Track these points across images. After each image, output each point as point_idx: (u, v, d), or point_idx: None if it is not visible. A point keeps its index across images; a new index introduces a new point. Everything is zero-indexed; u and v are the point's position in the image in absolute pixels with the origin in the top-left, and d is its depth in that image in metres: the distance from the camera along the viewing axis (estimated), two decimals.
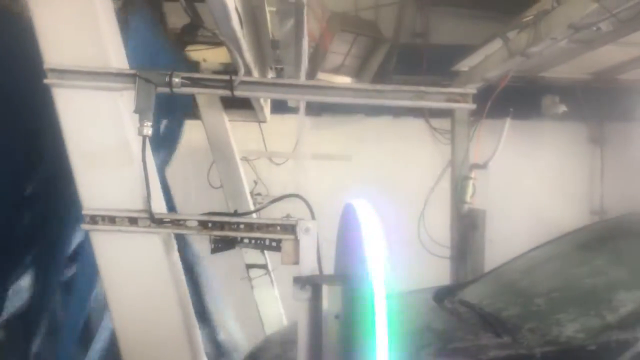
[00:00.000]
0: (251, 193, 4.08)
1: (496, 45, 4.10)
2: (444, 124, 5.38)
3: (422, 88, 1.67)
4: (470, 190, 4.94)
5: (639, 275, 2.45)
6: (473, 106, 1.66)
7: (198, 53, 3.32)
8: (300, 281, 1.54)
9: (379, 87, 1.65)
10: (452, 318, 2.74)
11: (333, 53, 4.47)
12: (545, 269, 3.10)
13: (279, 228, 1.60)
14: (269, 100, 3.98)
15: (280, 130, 4.63)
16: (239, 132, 3.99)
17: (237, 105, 3.68)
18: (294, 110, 4.41)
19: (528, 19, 3.54)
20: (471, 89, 1.69)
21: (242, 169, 3.91)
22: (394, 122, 5.42)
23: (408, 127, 5.41)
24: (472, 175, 4.97)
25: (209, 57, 3.51)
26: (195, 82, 1.59)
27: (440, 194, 5.28)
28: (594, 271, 2.74)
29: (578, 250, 3.09)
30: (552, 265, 3.09)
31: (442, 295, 3.09)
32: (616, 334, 2.12)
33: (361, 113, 5.34)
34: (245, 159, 4.29)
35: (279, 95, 1.69)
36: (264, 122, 4.09)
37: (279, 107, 4.29)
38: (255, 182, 4.45)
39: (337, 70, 4.58)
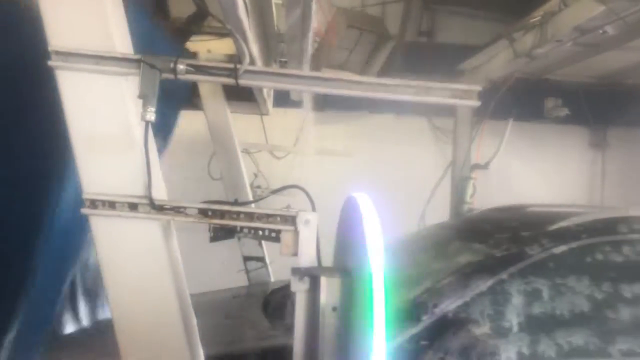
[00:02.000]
0: (251, 186, 4.07)
1: (501, 46, 4.10)
2: (446, 123, 5.37)
3: (427, 83, 1.66)
4: (470, 191, 4.93)
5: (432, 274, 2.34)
6: (478, 103, 1.66)
7: (203, 44, 3.31)
8: (299, 272, 1.54)
9: (383, 80, 1.64)
10: (259, 313, 2.74)
11: (338, 49, 4.47)
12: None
13: (278, 219, 1.59)
14: (272, 93, 3.97)
15: (282, 124, 4.63)
16: (240, 124, 3.98)
17: (240, 96, 3.67)
18: (296, 104, 4.40)
19: (534, 20, 3.54)
20: (476, 86, 1.68)
21: (243, 161, 3.91)
22: (396, 120, 5.42)
23: (410, 126, 5.41)
24: (473, 175, 4.96)
25: (213, 48, 3.50)
26: (200, 70, 1.58)
27: (440, 194, 5.28)
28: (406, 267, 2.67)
29: (417, 246, 2.98)
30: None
31: (276, 289, 3.07)
32: None
33: (364, 110, 5.34)
34: (246, 151, 4.28)
35: (283, 86, 1.68)
36: (267, 114, 4.08)
37: (282, 100, 4.28)
38: (256, 175, 4.45)
39: (341, 66, 4.57)
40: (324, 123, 5.21)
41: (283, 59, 3.34)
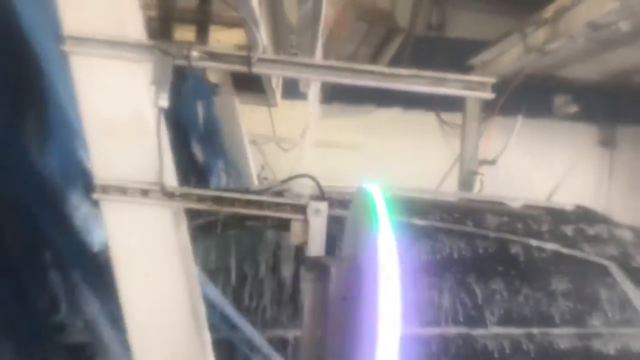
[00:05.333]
0: (258, 177, 4.08)
1: (513, 40, 4.07)
2: (454, 118, 5.36)
3: (440, 74, 1.65)
4: (477, 186, 4.92)
5: None
6: (491, 95, 1.64)
7: (212, 34, 3.31)
8: (308, 262, 1.54)
9: (396, 71, 1.63)
10: None
11: (346, 41, 4.45)
12: None
13: (289, 208, 1.59)
14: (280, 84, 3.96)
15: (289, 116, 4.61)
16: (248, 116, 3.98)
17: (249, 88, 3.66)
18: (304, 96, 4.38)
19: (547, 15, 3.51)
20: (490, 79, 1.67)
21: (250, 153, 3.91)
22: (403, 114, 5.40)
23: (418, 120, 5.39)
24: (480, 170, 4.95)
25: (222, 38, 3.50)
26: (214, 57, 1.57)
27: (447, 188, 5.27)
28: None
29: None
30: None
31: None
32: None
33: (372, 103, 5.32)
34: (253, 142, 4.29)
35: (295, 74, 1.67)
36: (275, 106, 4.08)
37: (290, 92, 4.28)
38: (263, 167, 4.45)
39: (350, 59, 4.56)
40: (331, 116, 5.20)
41: (293, 51, 3.33)
